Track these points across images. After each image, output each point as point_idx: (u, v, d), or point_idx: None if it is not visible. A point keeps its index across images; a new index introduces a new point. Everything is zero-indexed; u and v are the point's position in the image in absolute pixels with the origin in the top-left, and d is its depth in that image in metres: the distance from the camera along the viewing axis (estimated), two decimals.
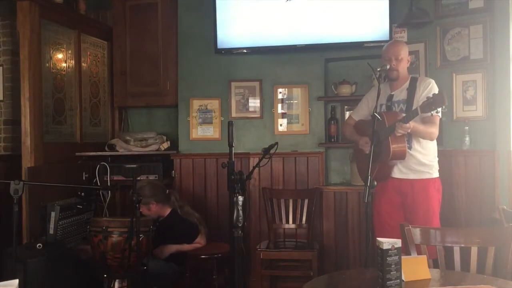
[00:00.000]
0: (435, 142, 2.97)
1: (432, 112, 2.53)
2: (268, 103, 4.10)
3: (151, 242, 3.02)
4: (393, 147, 2.80)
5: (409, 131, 2.74)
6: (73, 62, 4.01)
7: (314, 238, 3.83)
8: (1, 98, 4.18)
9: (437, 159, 3.00)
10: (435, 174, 2.98)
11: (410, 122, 2.70)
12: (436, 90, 2.82)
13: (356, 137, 3.17)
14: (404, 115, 2.76)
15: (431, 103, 2.49)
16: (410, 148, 2.91)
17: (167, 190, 3.58)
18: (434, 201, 2.94)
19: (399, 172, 2.97)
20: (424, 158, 2.93)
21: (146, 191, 3.37)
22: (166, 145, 4.23)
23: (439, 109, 2.52)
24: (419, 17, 3.59)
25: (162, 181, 3.89)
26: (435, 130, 2.87)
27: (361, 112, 3.24)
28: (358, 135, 3.15)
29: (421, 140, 2.92)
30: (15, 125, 4.10)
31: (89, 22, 4.30)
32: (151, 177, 3.99)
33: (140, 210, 3.08)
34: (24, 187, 2.51)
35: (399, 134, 2.76)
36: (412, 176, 2.94)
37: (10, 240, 2.54)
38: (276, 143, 2.79)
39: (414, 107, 2.79)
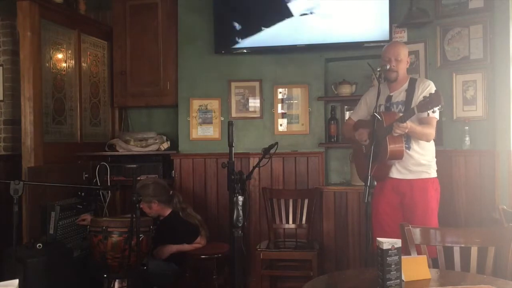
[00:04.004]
0: (433, 142, 2.98)
1: (428, 112, 2.53)
2: (268, 103, 4.10)
3: (151, 242, 3.02)
4: (391, 147, 2.81)
5: (406, 131, 2.74)
6: (73, 62, 4.01)
7: (314, 238, 3.83)
8: (1, 98, 4.17)
9: (435, 159, 3.01)
10: (433, 174, 2.98)
11: (407, 122, 2.70)
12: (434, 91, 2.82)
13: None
14: (401, 115, 2.77)
15: (428, 102, 2.50)
16: (408, 148, 2.91)
17: (171, 191, 3.58)
18: (432, 201, 2.94)
19: (397, 172, 2.97)
20: (422, 159, 2.94)
21: (150, 190, 3.38)
22: (166, 145, 4.23)
23: (436, 109, 2.52)
24: (419, 17, 3.59)
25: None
26: (432, 131, 2.87)
27: (360, 112, 3.25)
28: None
29: (420, 140, 2.92)
30: (15, 125, 4.10)
31: (89, 22, 4.30)
32: (151, 177, 3.98)
33: (141, 207, 3.09)
34: (24, 187, 2.51)
35: (396, 134, 2.77)
36: (410, 176, 2.95)
37: (10, 240, 2.54)
38: (276, 143, 2.79)
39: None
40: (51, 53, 3.76)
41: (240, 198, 2.33)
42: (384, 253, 1.72)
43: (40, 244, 2.99)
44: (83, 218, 3.39)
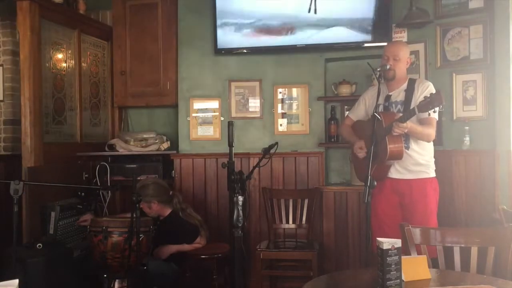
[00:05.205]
0: (431, 142, 2.98)
1: (429, 112, 2.53)
2: (268, 103, 4.10)
3: (151, 242, 3.02)
4: (390, 147, 2.81)
5: (406, 131, 2.75)
6: (73, 62, 4.01)
7: (314, 238, 3.83)
8: (1, 98, 4.18)
9: (433, 159, 3.01)
10: (432, 173, 2.99)
11: (407, 122, 2.70)
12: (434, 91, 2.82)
13: (353, 138, 3.17)
14: (401, 115, 2.77)
15: (429, 102, 2.50)
16: (407, 148, 2.92)
17: (171, 192, 3.58)
18: (431, 201, 2.95)
19: (396, 172, 2.97)
20: (421, 158, 2.94)
21: (150, 190, 3.38)
22: (166, 145, 4.23)
23: (437, 109, 2.52)
24: (419, 17, 3.59)
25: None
26: (432, 131, 2.87)
27: (358, 112, 3.25)
28: (355, 137, 3.15)
29: (419, 140, 2.92)
30: (15, 125, 4.10)
31: (89, 22, 4.30)
32: (151, 177, 3.98)
33: (141, 207, 3.09)
34: (24, 187, 2.51)
35: (396, 134, 2.77)
36: (409, 176, 2.95)
37: (10, 240, 2.54)
38: (276, 143, 2.80)
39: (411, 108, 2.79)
40: (51, 53, 3.76)
41: (240, 198, 2.33)
42: (384, 253, 1.72)
43: (40, 244, 2.98)
44: (84, 219, 3.38)
